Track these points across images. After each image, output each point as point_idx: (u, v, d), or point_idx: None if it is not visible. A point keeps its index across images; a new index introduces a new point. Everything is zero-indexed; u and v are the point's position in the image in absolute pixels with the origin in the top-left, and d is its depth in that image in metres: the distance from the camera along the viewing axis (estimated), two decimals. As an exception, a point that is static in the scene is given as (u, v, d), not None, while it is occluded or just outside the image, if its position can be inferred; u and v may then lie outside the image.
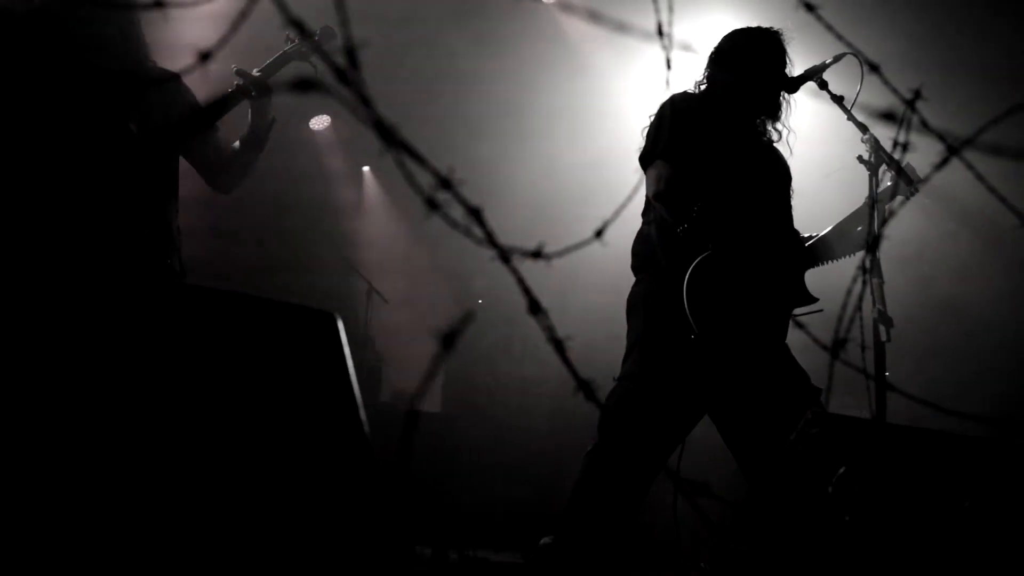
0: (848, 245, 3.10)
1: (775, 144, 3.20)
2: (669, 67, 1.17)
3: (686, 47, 1.06)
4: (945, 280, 5.29)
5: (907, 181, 2.83)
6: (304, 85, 0.71)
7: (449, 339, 0.70)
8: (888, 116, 0.91)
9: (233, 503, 1.23)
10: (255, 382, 1.33)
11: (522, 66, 6.36)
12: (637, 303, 3.03)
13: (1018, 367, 4.97)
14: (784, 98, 3.16)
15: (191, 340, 1.31)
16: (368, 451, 1.31)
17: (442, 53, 6.32)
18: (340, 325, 1.44)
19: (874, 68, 1.16)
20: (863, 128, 2.96)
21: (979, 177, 1.16)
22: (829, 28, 1.16)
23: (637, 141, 3.13)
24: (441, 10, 6.05)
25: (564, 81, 6.40)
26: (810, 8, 1.12)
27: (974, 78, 4.88)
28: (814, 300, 3.00)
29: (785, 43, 3.13)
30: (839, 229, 3.10)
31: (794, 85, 3.06)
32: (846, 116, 2.98)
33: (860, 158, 2.94)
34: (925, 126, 1.18)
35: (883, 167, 2.91)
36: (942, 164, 1.18)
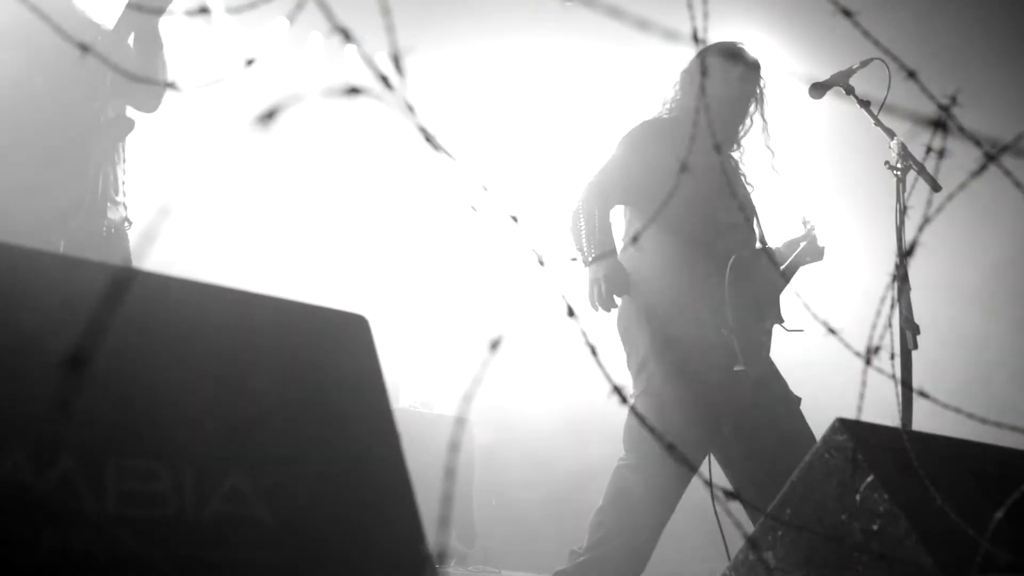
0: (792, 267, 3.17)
1: (742, 164, 3.22)
2: (704, 73, 1.18)
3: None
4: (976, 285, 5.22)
5: (935, 187, 2.80)
6: (351, 91, 0.71)
7: (496, 344, 0.71)
8: (937, 124, 0.90)
9: (265, 507, 1.23)
10: (289, 385, 1.34)
11: (566, 72, 6.33)
12: (630, 323, 3.04)
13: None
14: (753, 118, 3.16)
15: (223, 343, 1.32)
16: (400, 454, 1.32)
17: (487, 58, 6.32)
18: (371, 328, 1.45)
19: (911, 74, 1.15)
20: (890, 133, 2.94)
21: (1017, 185, 1.15)
22: (866, 34, 1.15)
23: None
24: (485, 15, 6.04)
25: (604, 87, 6.37)
26: (847, 14, 1.12)
27: (1013, 83, 4.81)
28: (783, 320, 3.08)
29: (751, 59, 3.14)
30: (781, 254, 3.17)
31: (820, 90, 3.04)
32: (873, 121, 2.96)
33: (888, 163, 2.92)
34: (962, 132, 1.17)
35: (911, 172, 2.89)
36: (979, 171, 1.17)
